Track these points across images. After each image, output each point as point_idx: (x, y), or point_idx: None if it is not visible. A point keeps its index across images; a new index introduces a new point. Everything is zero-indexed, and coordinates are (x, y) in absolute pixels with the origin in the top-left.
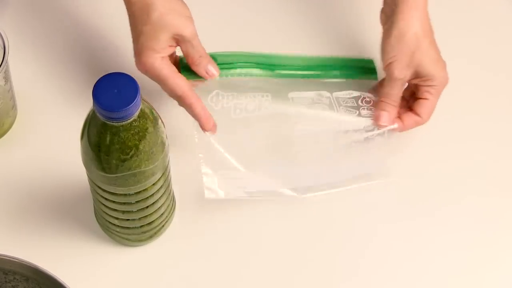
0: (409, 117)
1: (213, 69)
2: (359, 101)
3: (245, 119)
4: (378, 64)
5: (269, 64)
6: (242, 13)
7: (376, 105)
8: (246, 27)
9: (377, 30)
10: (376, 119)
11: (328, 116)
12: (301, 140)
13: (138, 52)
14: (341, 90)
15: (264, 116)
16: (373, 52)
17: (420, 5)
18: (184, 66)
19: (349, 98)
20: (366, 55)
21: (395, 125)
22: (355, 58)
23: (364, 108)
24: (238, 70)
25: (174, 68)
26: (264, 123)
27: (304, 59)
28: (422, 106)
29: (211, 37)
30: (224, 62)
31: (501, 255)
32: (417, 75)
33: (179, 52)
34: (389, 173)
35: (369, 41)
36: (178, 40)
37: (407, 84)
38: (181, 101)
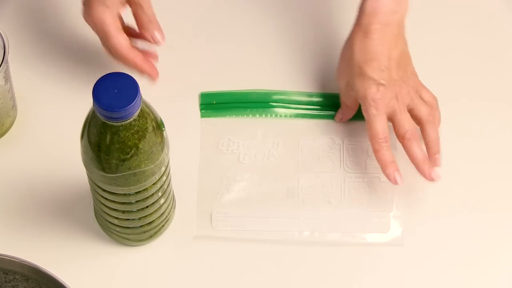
0: None
1: (159, 36)
2: (369, 152)
3: (253, 165)
4: None
5: (274, 100)
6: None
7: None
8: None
9: None
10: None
11: (332, 173)
12: (305, 191)
13: (88, 2)
14: (353, 135)
15: (272, 165)
16: None
17: (373, 28)
18: (204, 103)
19: (359, 147)
20: None
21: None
22: None
23: (371, 161)
24: (241, 110)
25: (119, 26)
26: (271, 171)
27: (314, 96)
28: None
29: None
30: (226, 101)
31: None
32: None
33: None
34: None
35: None
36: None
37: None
38: (123, 59)
